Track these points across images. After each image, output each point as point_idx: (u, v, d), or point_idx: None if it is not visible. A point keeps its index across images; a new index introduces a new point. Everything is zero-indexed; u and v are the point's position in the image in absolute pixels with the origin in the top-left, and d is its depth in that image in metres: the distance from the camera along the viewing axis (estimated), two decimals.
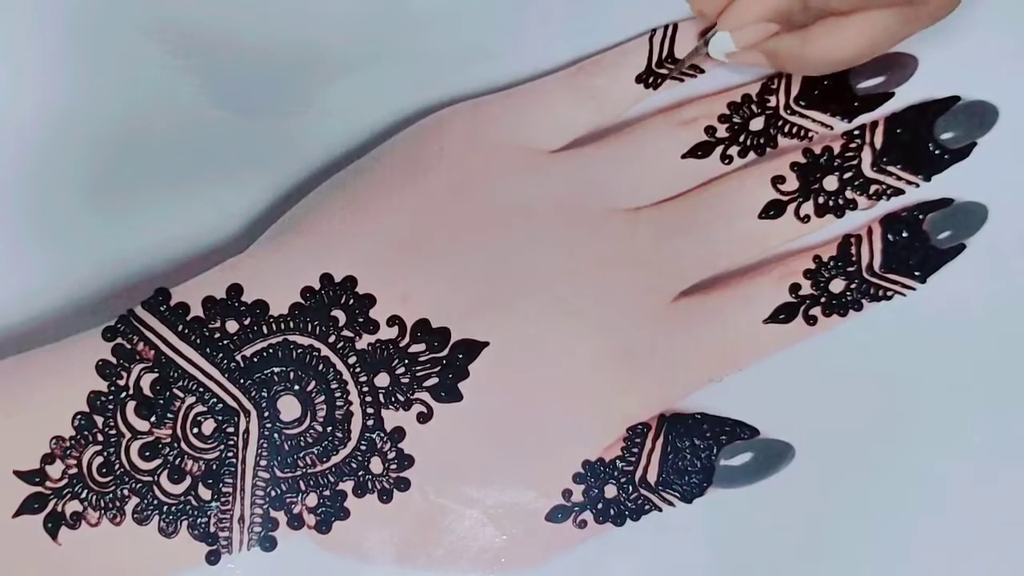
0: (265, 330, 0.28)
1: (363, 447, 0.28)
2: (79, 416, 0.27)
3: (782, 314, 0.31)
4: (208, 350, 0.28)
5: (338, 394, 0.28)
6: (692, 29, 0.32)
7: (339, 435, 0.28)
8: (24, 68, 0.31)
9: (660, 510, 0.30)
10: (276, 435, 0.28)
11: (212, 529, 0.27)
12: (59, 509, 0.27)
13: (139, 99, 0.31)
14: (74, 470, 0.27)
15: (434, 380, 0.28)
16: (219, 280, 0.28)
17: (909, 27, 0.26)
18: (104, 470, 0.27)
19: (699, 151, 0.32)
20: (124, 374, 0.27)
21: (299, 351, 0.28)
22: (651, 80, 0.32)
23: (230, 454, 0.27)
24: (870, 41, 0.27)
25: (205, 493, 0.27)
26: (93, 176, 0.31)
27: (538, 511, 0.29)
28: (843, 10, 0.26)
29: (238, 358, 0.28)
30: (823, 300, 0.31)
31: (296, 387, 0.28)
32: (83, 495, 0.27)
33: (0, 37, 0.31)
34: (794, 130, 0.32)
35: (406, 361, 0.28)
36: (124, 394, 0.27)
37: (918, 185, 0.32)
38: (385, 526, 0.28)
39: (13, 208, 0.31)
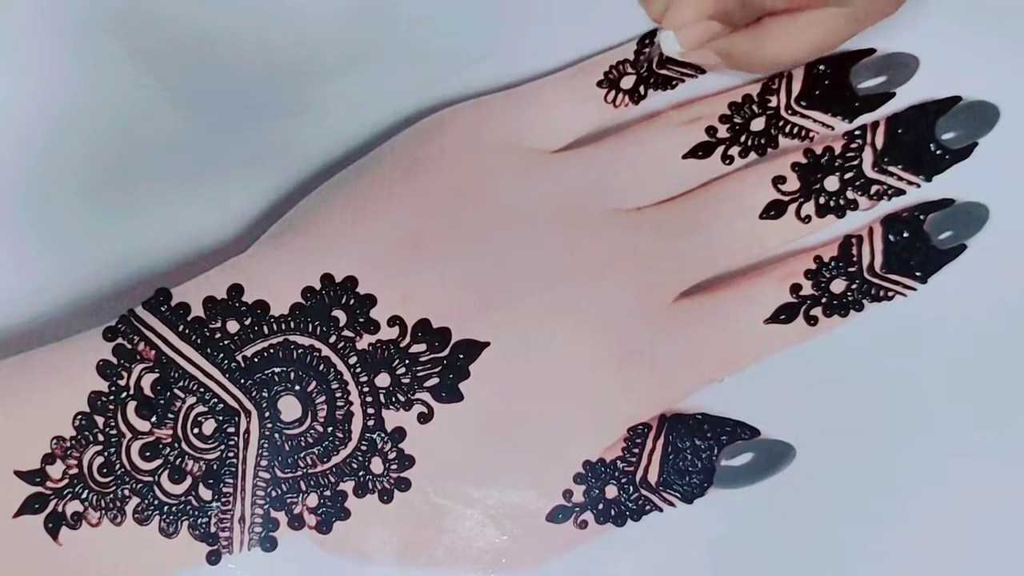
0: (266, 330, 0.28)
1: (364, 447, 0.28)
2: (80, 416, 0.27)
3: (783, 314, 0.31)
4: (209, 350, 0.28)
5: (339, 394, 0.28)
6: None
7: (340, 435, 0.28)
8: (25, 69, 0.31)
9: (661, 510, 0.30)
10: (277, 435, 0.28)
11: (213, 529, 0.27)
12: (60, 509, 0.27)
13: (140, 100, 0.31)
14: (75, 470, 0.27)
15: (435, 380, 0.28)
16: (220, 280, 0.28)
17: (855, 25, 0.27)
18: (105, 470, 0.27)
19: (700, 151, 0.32)
20: (125, 374, 0.27)
21: (300, 351, 0.28)
22: (651, 80, 0.32)
23: (231, 454, 0.27)
24: (819, 41, 0.27)
25: (206, 493, 0.27)
26: (94, 176, 0.31)
27: (539, 511, 0.29)
28: (780, 8, 0.26)
29: (239, 358, 0.28)
30: (824, 300, 0.31)
31: (297, 387, 0.28)
32: (84, 495, 0.27)
33: (1, 38, 0.31)
34: (795, 130, 0.32)
35: (407, 361, 0.28)
36: (125, 394, 0.27)
37: (919, 185, 0.32)
38: (386, 526, 0.28)
39: (14, 208, 0.31)
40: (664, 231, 0.31)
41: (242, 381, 0.28)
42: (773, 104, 0.32)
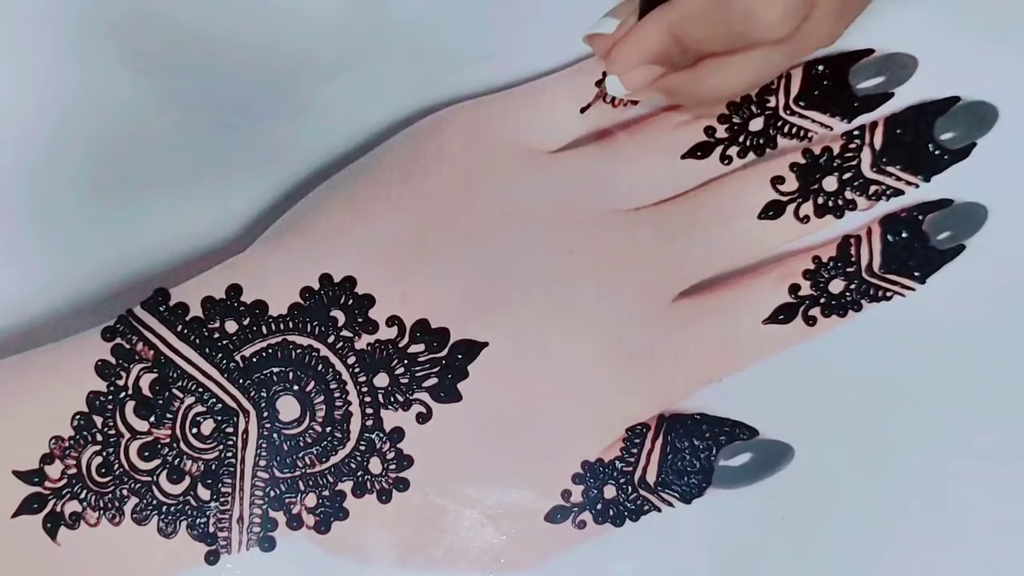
0: (264, 330, 0.28)
1: (362, 447, 0.28)
2: (78, 416, 0.27)
3: (781, 315, 0.31)
4: (207, 350, 0.28)
5: (337, 394, 0.28)
6: None
7: (338, 435, 0.28)
8: (25, 69, 0.31)
9: (659, 511, 0.30)
10: (275, 435, 0.28)
11: (211, 529, 0.27)
12: (58, 509, 0.27)
13: (138, 100, 0.31)
14: (73, 470, 0.27)
15: (433, 380, 0.28)
16: (218, 280, 0.28)
17: (790, 60, 0.28)
18: (103, 470, 0.27)
19: (698, 151, 0.32)
20: (123, 374, 0.27)
21: (298, 351, 0.28)
22: None
23: (229, 454, 0.27)
24: (755, 76, 0.28)
25: (204, 493, 0.27)
26: (93, 176, 0.31)
27: (537, 512, 0.29)
28: (718, 51, 0.27)
29: (237, 358, 0.28)
30: (822, 301, 0.31)
31: (295, 387, 0.28)
32: (82, 495, 0.27)
33: (1, 37, 0.31)
34: (793, 130, 0.32)
35: (405, 361, 0.28)
36: (123, 394, 0.27)
37: (918, 186, 0.32)
38: (384, 526, 0.28)
39: (13, 208, 0.31)
40: (663, 231, 0.31)
41: (241, 381, 0.28)
42: (772, 104, 0.32)
